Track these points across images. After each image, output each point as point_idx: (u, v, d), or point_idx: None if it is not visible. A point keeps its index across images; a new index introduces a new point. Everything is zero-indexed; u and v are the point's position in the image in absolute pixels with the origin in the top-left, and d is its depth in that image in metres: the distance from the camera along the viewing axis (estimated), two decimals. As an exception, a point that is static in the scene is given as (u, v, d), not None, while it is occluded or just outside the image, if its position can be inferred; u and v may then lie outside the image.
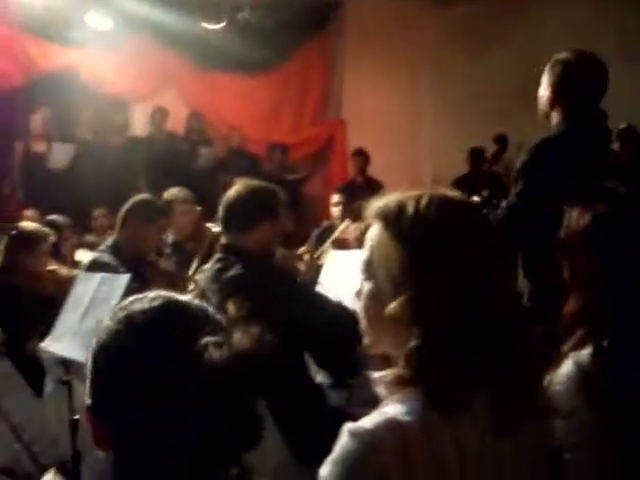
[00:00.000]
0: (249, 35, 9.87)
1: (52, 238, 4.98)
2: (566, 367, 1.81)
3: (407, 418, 1.37)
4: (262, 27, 9.67)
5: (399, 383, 1.43)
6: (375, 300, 1.52)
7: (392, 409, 1.40)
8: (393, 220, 1.51)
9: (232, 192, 3.56)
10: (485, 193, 5.37)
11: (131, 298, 1.30)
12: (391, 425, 1.36)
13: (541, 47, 6.82)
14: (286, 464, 3.01)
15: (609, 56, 4.16)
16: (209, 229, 5.76)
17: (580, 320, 1.89)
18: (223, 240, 3.55)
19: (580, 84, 3.66)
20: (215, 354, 1.15)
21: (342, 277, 4.08)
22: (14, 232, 4.85)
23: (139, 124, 10.37)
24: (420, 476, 1.35)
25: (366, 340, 1.56)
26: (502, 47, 9.45)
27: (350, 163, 10.31)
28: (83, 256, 5.42)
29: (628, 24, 8.67)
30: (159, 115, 10.00)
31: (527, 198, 3.56)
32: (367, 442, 1.34)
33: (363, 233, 4.92)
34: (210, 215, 6.71)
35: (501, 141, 7.79)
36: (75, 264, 5.13)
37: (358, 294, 1.59)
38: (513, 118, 8.38)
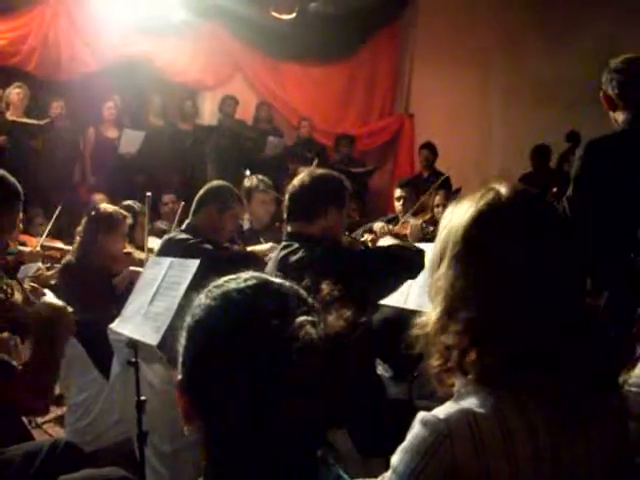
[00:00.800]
0: (320, 25, 9.88)
1: (129, 221, 5.03)
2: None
3: (481, 410, 1.38)
4: (333, 18, 9.65)
5: (469, 382, 1.44)
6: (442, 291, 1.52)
7: (466, 401, 1.41)
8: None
9: (297, 181, 3.55)
10: (555, 190, 5.32)
11: (225, 278, 1.31)
12: (465, 416, 1.37)
13: (614, 44, 6.70)
14: (349, 454, 3.03)
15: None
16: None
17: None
18: (289, 228, 3.56)
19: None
20: (311, 333, 1.16)
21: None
22: (93, 213, 4.90)
23: (208, 112, 10.46)
24: (492, 467, 1.35)
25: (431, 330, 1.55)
26: (574, 43, 9.28)
27: (417, 157, 10.26)
28: (155, 243, 5.47)
29: None
30: (229, 103, 10.06)
31: (585, 194, 3.54)
32: (440, 431, 1.35)
33: (419, 229, 4.92)
34: (277, 204, 6.76)
35: (573, 138, 7.65)
36: (149, 251, 5.18)
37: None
38: (585, 115, 8.23)
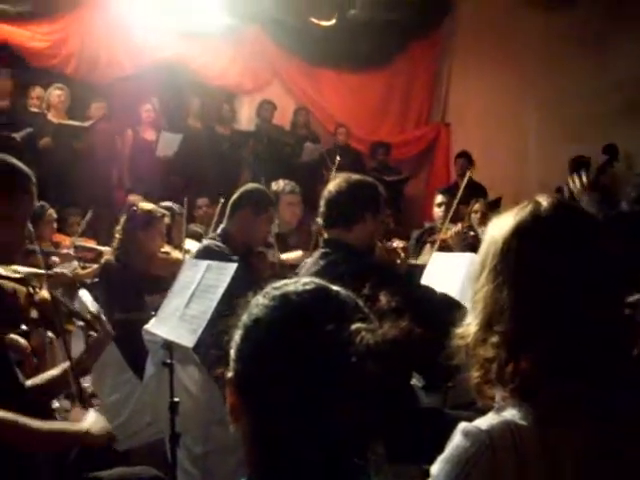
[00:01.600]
0: (358, 33, 9.89)
1: (167, 219, 5.05)
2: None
3: (523, 422, 1.37)
4: (372, 25, 9.66)
5: (513, 394, 1.43)
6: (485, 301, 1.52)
7: (509, 412, 1.40)
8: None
9: (333, 186, 3.54)
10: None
11: (283, 281, 1.32)
12: (508, 427, 1.36)
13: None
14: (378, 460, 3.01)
15: None
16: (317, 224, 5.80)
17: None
18: (325, 235, 3.55)
19: None
20: (367, 338, 1.16)
21: (443, 279, 4.06)
22: (132, 210, 4.93)
23: (246, 116, 10.53)
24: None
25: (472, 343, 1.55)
26: (616, 53, 9.20)
27: (453, 166, 10.23)
28: (191, 245, 5.50)
29: None
30: (266, 108, 10.11)
31: None
32: (482, 442, 1.35)
33: (461, 235, 4.89)
34: (312, 210, 6.78)
35: (610, 151, 7.57)
36: (185, 252, 5.21)
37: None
38: (623, 127, 8.17)
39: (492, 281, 1.48)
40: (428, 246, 6.76)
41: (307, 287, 1.27)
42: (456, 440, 1.38)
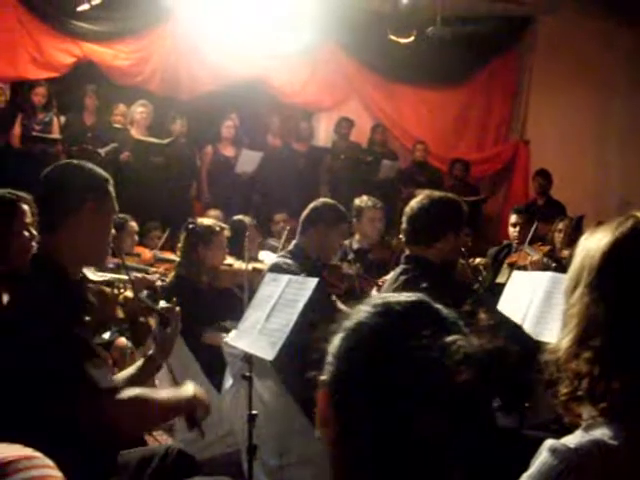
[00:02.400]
0: (437, 49, 9.85)
1: (227, 232, 5.11)
2: None
3: (613, 442, 1.34)
4: (450, 42, 9.61)
5: (603, 413, 1.40)
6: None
7: (598, 431, 1.37)
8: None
9: (416, 203, 3.55)
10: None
11: (385, 294, 1.34)
12: (596, 447, 1.34)
13: None
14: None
15: None
16: (398, 239, 5.79)
17: None
18: (407, 251, 3.56)
19: None
20: (464, 348, 1.16)
21: (520, 298, 4.01)
22: (191, 226, 5.00)
23: (323, 133, 10.58)
24: None
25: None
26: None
27: (532, 184, 10.11)
28: (265, 256, 5.54)
29: None
30: (344, 125, 10.14)
31: None
32: (570, 461, 1.32)
33: (542, 264, 4.80)
34: (389, 226, 6.78)
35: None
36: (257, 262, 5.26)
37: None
38: None
39: (588, 296, 1.45)
40: (505, 266, 6.67)
41: (409, 298, 1.28)
42: (543, 457, 1.36)
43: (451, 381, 1.13)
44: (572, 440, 1.36)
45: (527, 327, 3.63)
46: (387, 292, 3.47)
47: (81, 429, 2.31)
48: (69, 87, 8.89)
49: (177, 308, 2.99)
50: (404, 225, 3.58)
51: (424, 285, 3.25)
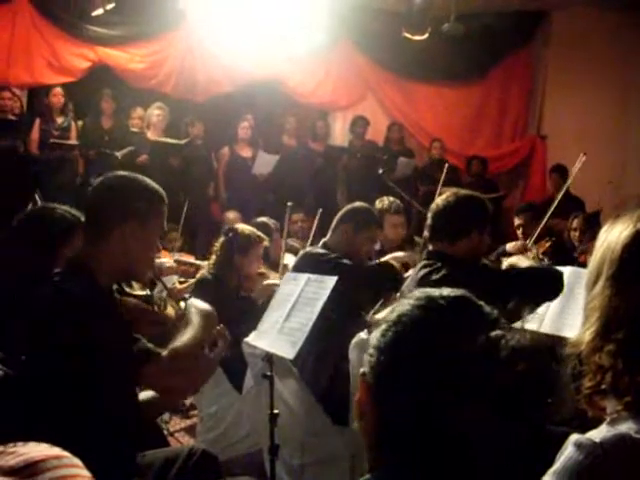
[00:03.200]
0: (452, 46, 9.83)
1: (266, 243, 5.10)
2: None
3: (639, 436, 1.33)
4: (465, 39, 9.58)
5: (628, 407, 1.39)
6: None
7: (623, 425, 1.37)
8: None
9: (442, 201, 3.55)
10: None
11: (429, 289, 1.34)
12: (622, 440, 1.33)
13: None
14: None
15: None
16: (417, 242, 5.77)
17: None
18: (430, 247, 3.55)
19: None
20: (510, 346, 1.16)
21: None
22: (231, 234, 4.98)
23: (339, 132, 10.58)
24: None
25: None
26: None
27: (548, 179, 10.06)
28: (289, 260, 5.53)
29: None
30: (360, 124, 10.15)
31: None
32: (596, 455, 1.31)
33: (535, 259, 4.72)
34: (407, 225, 6.75)
35: None
36: (283, 267, 5.26)
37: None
38: None
39: (609, 288, 1.45)
40: (524, 258, 6.59)
41: (452, 293, 1.28)
42: (568, 452, 1.35)
43: (498, 376, 1.13)
44: (597, 435, 1.36)
45: (547, 322, 3.62)
46: (408, 287, 3.47)
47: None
48: (85, 92, 8.94)
49: (224, 330, 2.98)
50: (429, 221, 3.58)
51: (440, 274, 3.25)
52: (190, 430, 5.43)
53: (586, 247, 6.26)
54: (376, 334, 1.28)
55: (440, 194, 3.67)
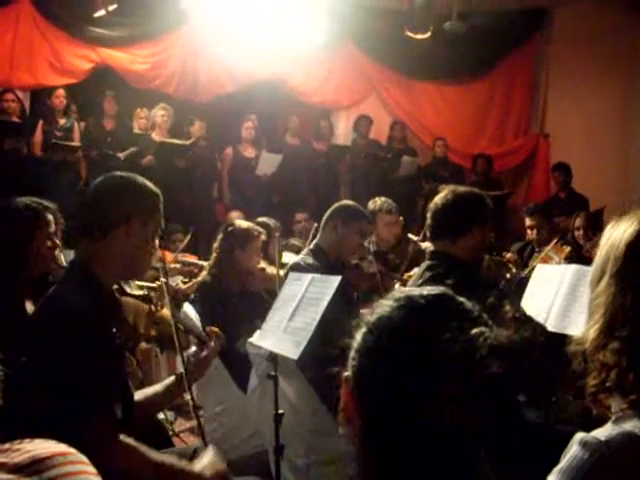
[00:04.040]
0: (454, 45, 9.83)
1: (263, 237, 5.11)
2: None
3: None
4: (468, 37, 9.58)
5: (633, 406, 1.39)
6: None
7: (629, 423, 1.36)
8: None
9: (440, 199, 3.54)
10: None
11: (408, 288, 1.33)
12: (627, 439, 1.32)
13: None
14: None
15: None
16: (411, 240, 5.76)
17: None
18: (431, 247, 3.55)
19: None
20: (490, 339, 1.15)
21: (545, 292, 3.98)
22: (229, 229, 4.99)
23: (342, 131, 10.58)
24: None
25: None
26: None
27: (551, 178, 10.05)
28: (290, 258, 5.54)
29: None
30: (363, 123, 10.16)
31: None
32: (602, 453, 1.31)
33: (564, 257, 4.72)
34: (409, 223, 6.77)
35: None
36: (282, 266, 5.26)
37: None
38: None
39: (613, 286, 1.44)
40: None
41: (432, 292, 1.27)
42: (573, 451, 1.35)
43: (477, 374, 1.12)
44: (603, 433, 1.35)
45: (552, 320, 3.61)
46: (412, 286, 3.47)
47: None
48: (88, 93, 8.95)
49: (217, 330, 3.03)
50: (428, 220, 3.58)
51: (449, 282, 3.24)
52: (194, 430, 5.43)
53: (595, 243, 6.25)
54: (357, 337, 1.27)
55: (439, 192, 3.66)
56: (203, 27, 9.16)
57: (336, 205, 4.84)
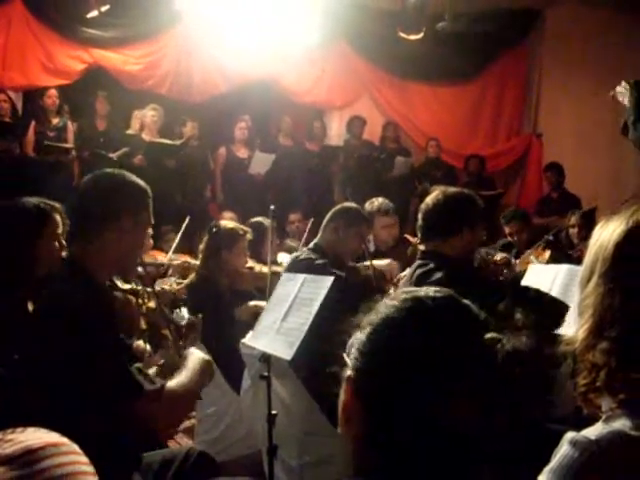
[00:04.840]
0: (447, 45, 9.84)
1: (249, 236, 5.10)
2: None
3: (635, 433, 1.33)
4: (460, 37, 9.60)
5: (622, 405, 1.39)
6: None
7: (619, 422, 1.36)
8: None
9: (431, 199, 3.55)
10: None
11: (414, 288, 1.33)
12: (618, 438, 1.33)
13: None
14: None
15: None
16: (409, 242, 5.76)
17: None
18: (422, 247, 3.55)
19: None
20: (502, 350, 1.16)
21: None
22: (215, 230, 4.99)
23: (335, 132, 10.57)
24: None
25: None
26: None
27: (544, 178, 10.07)
28: (284, 258, 5.54)
29: None
30: (356, 124, 10.15)
31: None
32: (592, 453, 1.31)
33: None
34: (403, 223, 6.77)
35: None
36: (277, 265, 5.27)
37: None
38: None
39: (602, 286, 1.45)
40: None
41: (439, 294, 1.27)
42: (564, 450, 1.35)
43: (487, 378, 1.13)
44: (593, 432, 1.35)
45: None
46: (404, 287, 3.47)
47: (119, 427, 2.34)
48: (80, 93, 8.93)
49: (199, 320, 3.02)
50: (419, 222, 3.58)
51: (439, 275, 3.25)
52: (188, 431, 5.42)
53: (583, 243, 6.25)
54: (361, 337, 1.27)
55: (430, 193, 3.67)
56: (196, 28, 9.14)
57: (339, 207, 4.87)
